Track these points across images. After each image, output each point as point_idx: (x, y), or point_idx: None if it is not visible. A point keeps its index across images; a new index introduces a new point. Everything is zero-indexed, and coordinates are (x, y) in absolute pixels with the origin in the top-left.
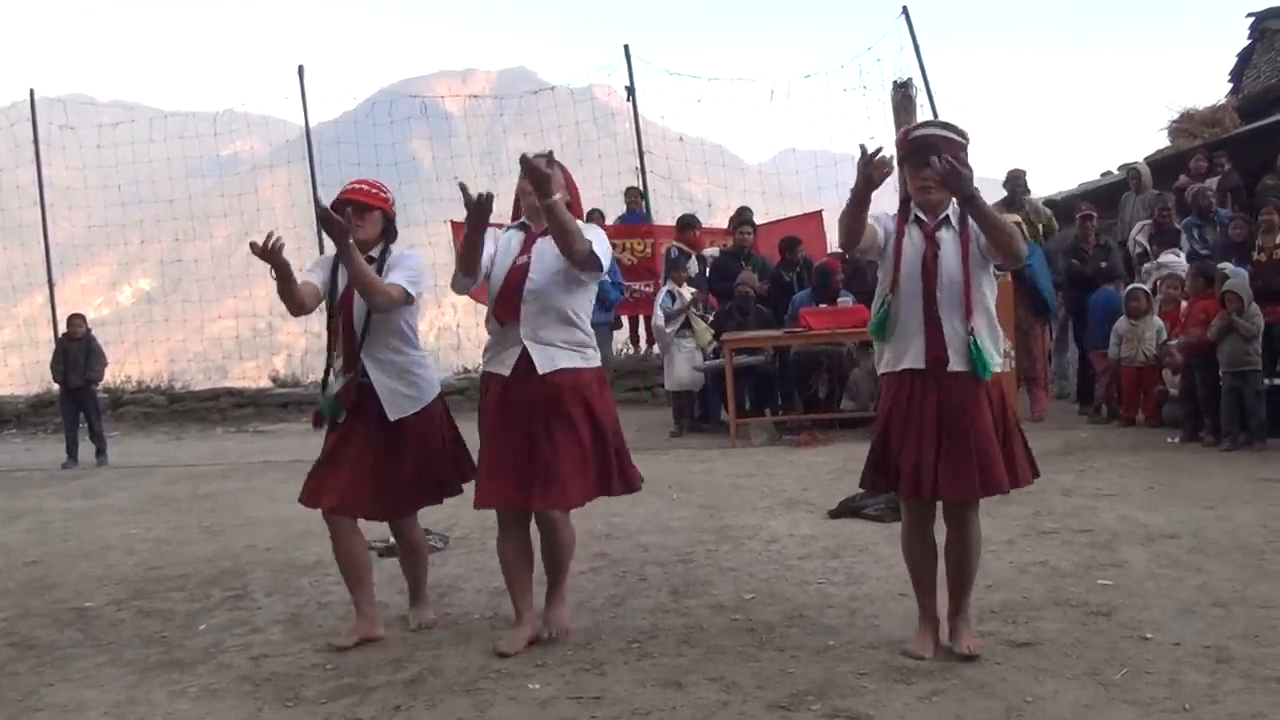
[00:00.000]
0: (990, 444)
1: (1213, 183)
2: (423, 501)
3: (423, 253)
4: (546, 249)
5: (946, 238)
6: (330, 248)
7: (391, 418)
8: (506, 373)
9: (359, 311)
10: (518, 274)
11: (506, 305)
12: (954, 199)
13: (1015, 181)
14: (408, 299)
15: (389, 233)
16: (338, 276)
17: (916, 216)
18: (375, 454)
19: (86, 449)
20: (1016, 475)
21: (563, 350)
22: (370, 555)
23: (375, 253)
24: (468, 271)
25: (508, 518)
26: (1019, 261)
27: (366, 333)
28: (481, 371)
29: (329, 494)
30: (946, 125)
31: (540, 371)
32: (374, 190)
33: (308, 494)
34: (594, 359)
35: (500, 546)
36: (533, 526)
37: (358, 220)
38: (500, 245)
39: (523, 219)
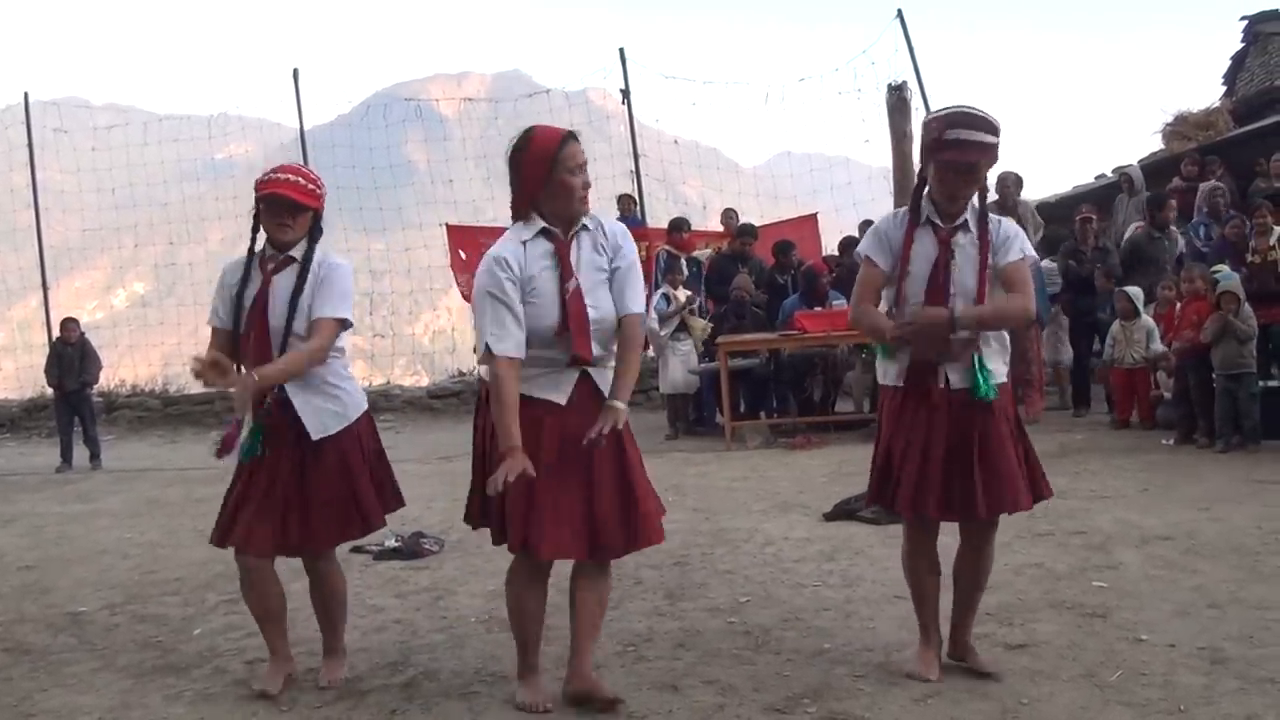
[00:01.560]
0: (1009, 458)
1: (1214, 185)
2: (343, 533)
3: (417, 256)
4: (585, 259)
5: (963, 243)
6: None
7: (315, 436)
8: (563, 401)
9: (275, 325)
10: (578, 302)
11: (584, 340)
12: (973, 206)
13: (1005, 185)
14: (344, 326)
15: (314, 231)
16: (244, 290)
17: (930, 219)
18: (286, 482)
19: (80, 453)
20: (1041, 488)
21: (608, 371)
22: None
23: (297, 253)
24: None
25: (541, 567)
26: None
27: (285, 349)
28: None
29: (235, 532)
30: (982, 124)
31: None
32: (311, 187)
33: (217, 533)
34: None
35: (522, 596)
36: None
37: (287, 220)
38: (528, 261)
39: (537, 225)
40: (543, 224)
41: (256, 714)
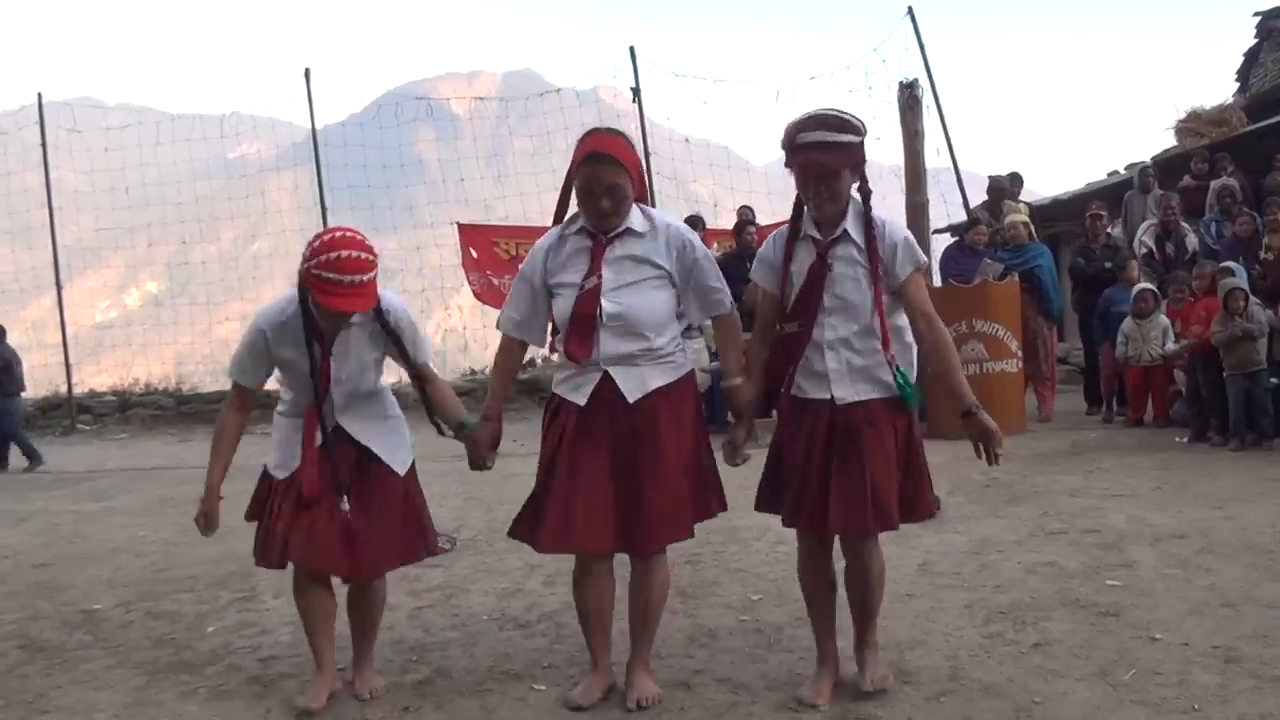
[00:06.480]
0: (887, 474)
1: (1225, 183)
2: (405, 558)
3: (429, 254)
4: (619, 257)
5: (844, 254)
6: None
7: (401, 471)
8: (582, 403)
9: (347, 388)
10: (588, 299)
11: (579, 338)
12: (851, 209)
13: (1000, 190)
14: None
15: None
16: (313, 350)
17: (808, 233)
18: (356, 508)
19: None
20: (916, 507)
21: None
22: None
23: (355, 316)
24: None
25: (599, 559)
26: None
27: (347, 403)
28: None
29: (303, 551)
30: (835, 123)
31: (630, 399)
32: (373, 276)
33: (273, 553)
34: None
35: (584, 592)
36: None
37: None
38: (563, 255)
39: (581, 222)
40: (583, 222)
41: (270, 712)
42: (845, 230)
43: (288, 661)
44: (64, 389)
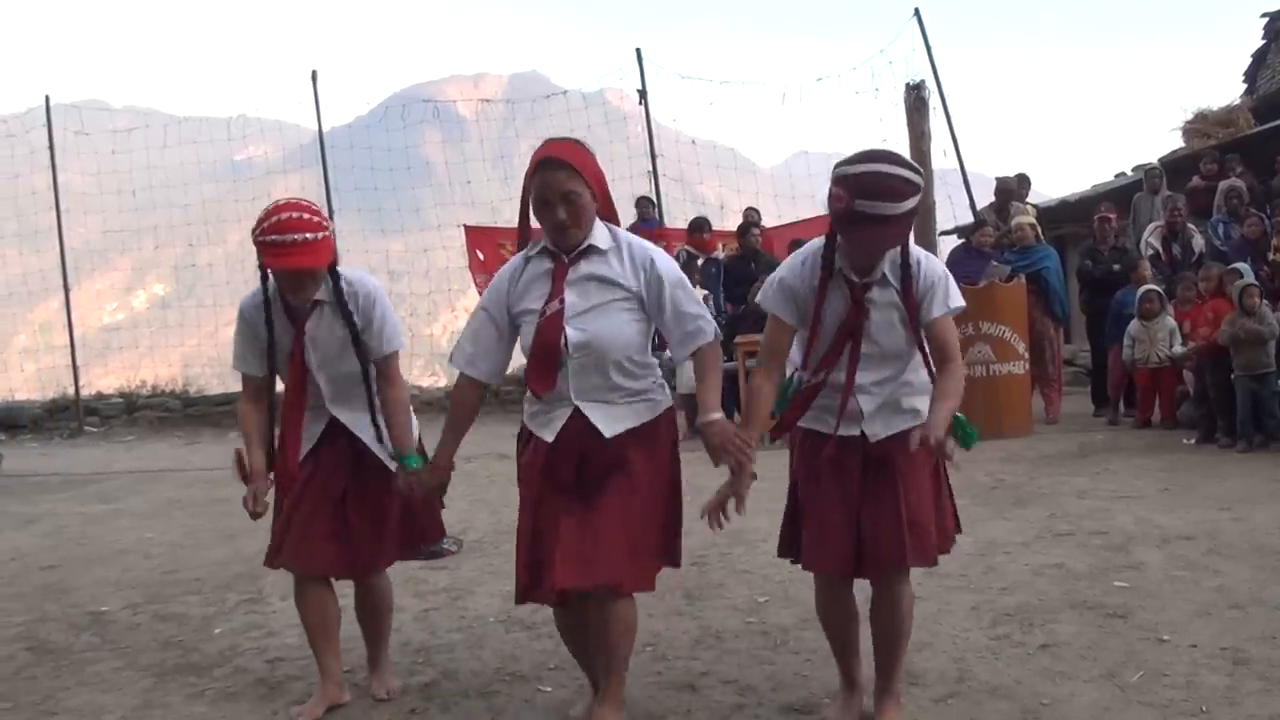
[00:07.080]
0: (923, 504)
1: (1232, 184)
2: (402, 553)
3: (435, 256)
4: (583, 278)
5: (880, 299)
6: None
7: (393, 469)
8: (550, 439)
9: (330, 373)
10: (550, 326)
11: (541, 370)
12: (891, 254)
13: (1006, 192)
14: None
15: (332, 270)
16: (273, 339)
17: (843, 272)
18: (343, 503)
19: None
20: (944, 539)
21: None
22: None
23: (321, 294)
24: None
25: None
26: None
27: (335, 390)
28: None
29: (295, 553)
30: (895, 190)
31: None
32: (323, 236)
33: (271, 554)
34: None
35: (566, 621)
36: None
37: (306, 284)
38: (523, 279)
39: (543, 243)
40: (545, 243)
41: (277, 713)
42: (883, 273)
43: (295, 664)
44: (71, 391)
